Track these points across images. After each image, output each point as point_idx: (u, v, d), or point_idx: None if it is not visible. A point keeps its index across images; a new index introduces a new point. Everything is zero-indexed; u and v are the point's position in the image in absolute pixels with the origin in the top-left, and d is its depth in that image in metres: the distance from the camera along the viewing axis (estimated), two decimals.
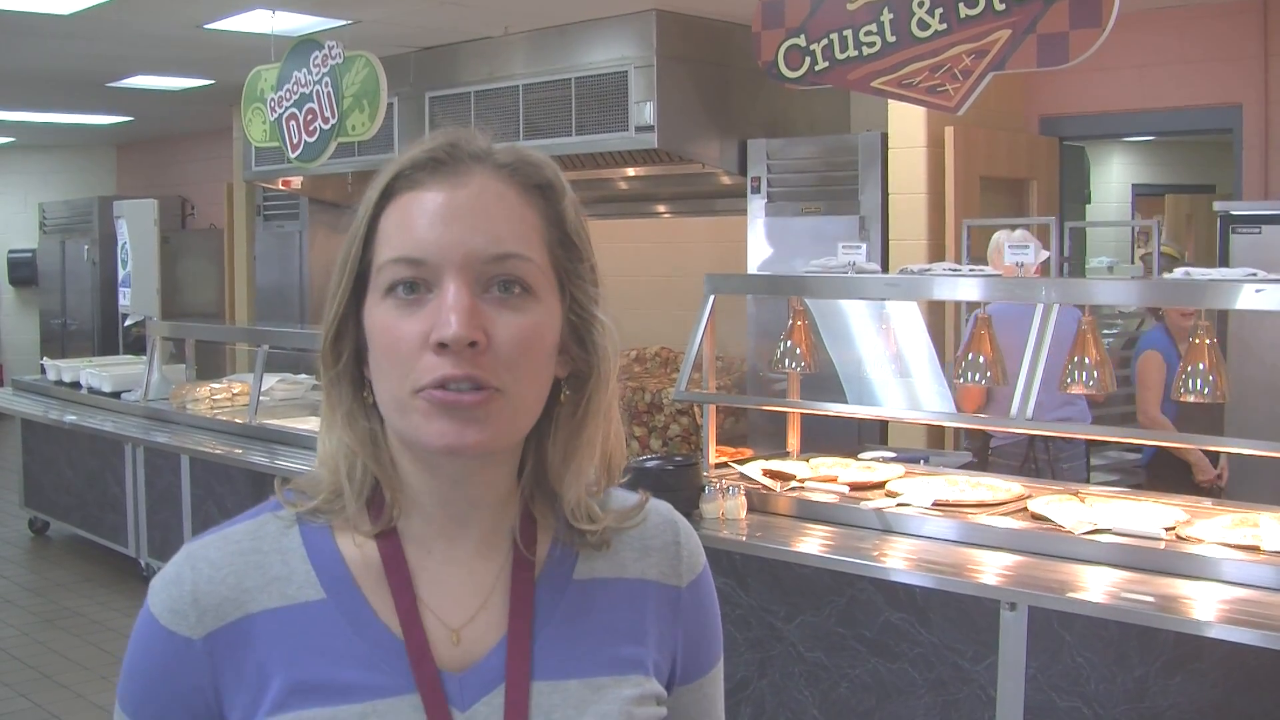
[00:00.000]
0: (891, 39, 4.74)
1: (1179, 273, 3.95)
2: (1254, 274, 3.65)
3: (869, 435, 6.44)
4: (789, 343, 4.66)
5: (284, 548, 1.20)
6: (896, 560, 3.80)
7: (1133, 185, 11.48)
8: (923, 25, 4.64)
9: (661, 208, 8.65)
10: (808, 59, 5.01)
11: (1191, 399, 3.71)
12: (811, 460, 4.81)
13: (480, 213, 1.14)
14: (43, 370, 9.31)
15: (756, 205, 7.22)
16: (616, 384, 1.25)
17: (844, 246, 4.60)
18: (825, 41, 4.93)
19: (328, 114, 6.99)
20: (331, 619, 1.16)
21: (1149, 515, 3.81)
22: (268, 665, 1.15)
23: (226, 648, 1.16)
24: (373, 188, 1.18)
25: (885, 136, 6.80)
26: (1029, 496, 4.15)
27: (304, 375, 7.68)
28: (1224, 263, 5.61)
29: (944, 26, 4.59)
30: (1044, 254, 4.64)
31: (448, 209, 1.14)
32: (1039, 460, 5.42)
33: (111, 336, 12.66)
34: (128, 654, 1.22)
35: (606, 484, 1.27)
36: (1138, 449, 6.37)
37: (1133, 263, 10.62)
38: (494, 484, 1.21)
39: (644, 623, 1.25)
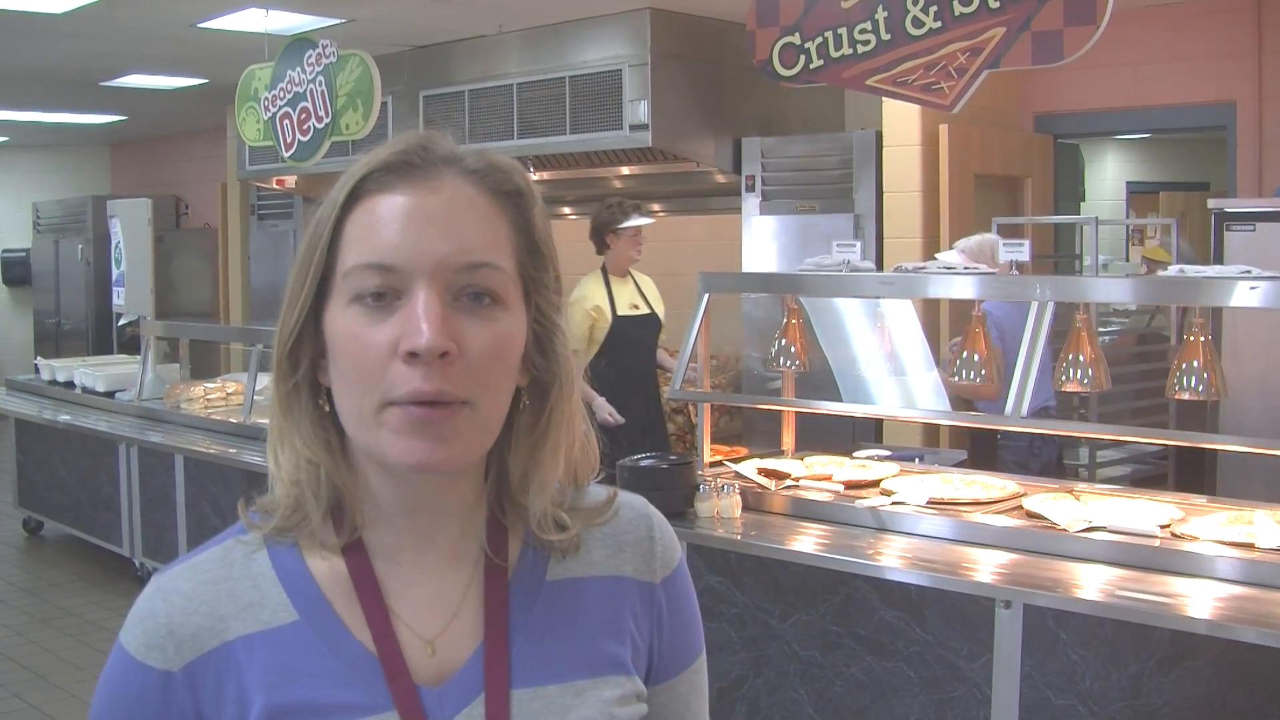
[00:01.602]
0: (886, 37, 4.74)
1: (1174, 270, 3.95)
2: (1248, 271, 3.65)
3: (864, 433, 6.44)
4: (784, 341, 4.66)
5: (253, 572, 1.18)
6: (891, 559, 3.79)
7: (1127, 183, 11.48)
8: (917, 23, 4.64)
9: (656, 206, 8.62)
10: (802, 57, 5.01)
11: (1186, 397, 3.71)
12: (806, 459, 4.80)
13: (453, 219, 1.11)
14: (36, 370, 9.30)
15: (751, 204, 7.22)
16: (579, 394, 1.22)
17: (839, 245, 4.60)
18: (820, 39, 4.94)
19: (321, 113, 6.98)
20: (306, 640, 1.15)
21: (1143, 513, 3.81)
22: (248, 691, 1.13)
23: (207, 677, 1.14)
24: (338, 189, 1.14)
25: (880, 135, 6.80)
26: (1024, 494, 4.14)
27: None
28: (1218, 260, 5.61)
29: (938, 24, 4.59)
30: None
31: (420, 214, 1.11)
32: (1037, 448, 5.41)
33: (105, 336, 12.63)
34: (99, 696, 1.19)
35: (573, 492, 1.25)
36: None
37: (1127, 260, 10.62)
38: (460, 493, 1.19)
39: (621, 620, 1.23)
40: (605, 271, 6.37)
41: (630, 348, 6.25)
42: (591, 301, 6.25)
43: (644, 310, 6.43)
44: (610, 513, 1.26)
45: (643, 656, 1.25)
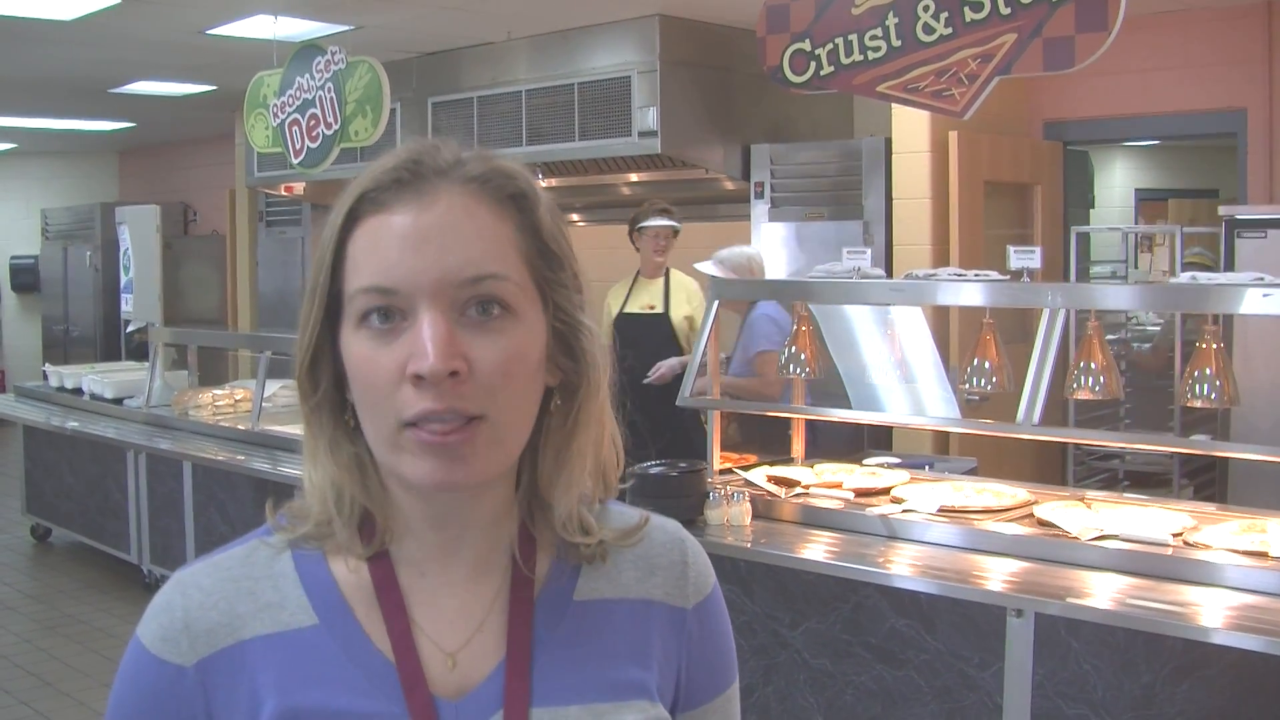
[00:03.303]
0: (897, 43, 4.73)
1: (1185, 277, 3.93)
2: (1261, 278, 3.63)
3: (873, 441, 6.42)
4: (793, 348, 4.65)
5: (276, 573, 1.17)
6: (902, 567, 3.78)
7: (1136, 190, 11.44)
8: (928, 29, 4.62)
9: None
10: (813, 64, 5.00)
11: (1199, 404, 3.69)
12: (816, 466, 4.79)
13: (450, 233, 1.09)
14: (45, 376, 9.30)
15: (760, 210, 7.21)
16: (608, 391, 1.21)
17: (849, 252, 4.59)
18: (830, 46, 4.92)
19: (330, 119, 6.98)
20: (325, 645, 1.14)
21: (1156, 521, 3.79)
22: (260, 692, 1.12)
23: (219, 674, 1.13)
24: (336, 211, 1.13)
25: (889, 142, 6.78)
26: (1035, 502, 4.13)
27: None
28: (1229, 267, 5.60)
29: (949, 31, 4.57)
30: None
31: (416, 232, 1.09)
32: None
33: (113, 343, 12.65)
34: (116, 687, 1.18)
35: (603, 494, 1.23)
36: None
37: (1135, 268, 10.59)
38: (490, 504, 1.18)
39: (648, 645, 1.22)
40: (638, 272, 6.43)
41: (627, 346, 6.29)
42: (607, 300, 6.35)
43: (658, 310, 6.46)
44: (639, 535, 1.24)
45: (670, 683, 1.24)
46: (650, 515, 1.27)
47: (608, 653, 1.19)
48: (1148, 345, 7.21)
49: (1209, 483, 6.50)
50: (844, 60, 4.89)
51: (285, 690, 1.12)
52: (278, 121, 7.36)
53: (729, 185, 7.50)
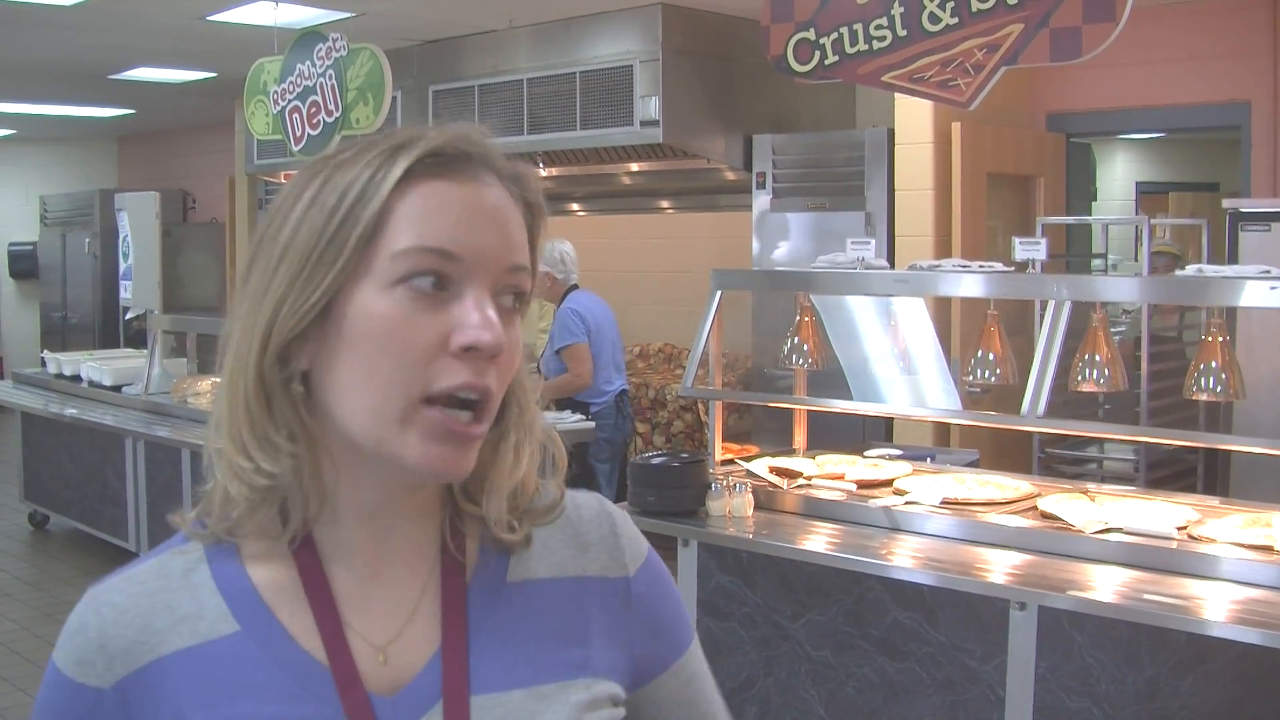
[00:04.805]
0: (902, 33, 4.70)
1: (1191, 269, 3.91)
2: (1267, 271, 3.61)
3: (874, 432, 6.41)
4: (796, 339, 4.63)
5: (192, 583, 1.12)
6: (904, 559, 3.76)
7: (1137, 183, 11.44)
8: (934, 19, 4.60)
9: (666, 203, 8.62)
10: (817, 53, 4.97)
11: (1205, 397, 3.67)
12: (818, 457, 4.77)
13: (503, 220, 1.09)
14: (43, 363, 9.28)
15: (762, 201, 7.19)
16: (538, 403, 1.19)
17: (853, 242, 4.57)
18: (835, 35, 4.90)
19: (331, 107, 6.96)
20: (248, 651, 1.09)
21: (1160, 514, 3.78)
22: (184, 709, 1.07)
23: (139, 695, 1.09)
24: (383, 165, 1.07)
25: (892, 132, 6.76)
26: (1038, 495, 4.11)
27: None
28: (1232, 261, 5.58)
29: (955, 20, 4.55)
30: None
31: (479, 209, 1.08)
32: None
33: (112, 330, 12.63)
34: (34, 714, 1.15)
35: (539, 487, 1.19)
36: None
37: (1135, 259, 10.57)
38: (422, 496, 1.15)
39: (587, 622, 1.18)
40: None
41: None
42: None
43: None
44: (557, 512, 1.20)
45: (622, 657, 1.20)
46: (568, 490, 1.23)
47: (547, 633, 1.16)
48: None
49: (1177, 475, 6.46)
50: (849, 50, 4.87)
51: (211, 704, 1.07)
52: (278, 109, 7.34)
53: (731, 175, 7.49)
